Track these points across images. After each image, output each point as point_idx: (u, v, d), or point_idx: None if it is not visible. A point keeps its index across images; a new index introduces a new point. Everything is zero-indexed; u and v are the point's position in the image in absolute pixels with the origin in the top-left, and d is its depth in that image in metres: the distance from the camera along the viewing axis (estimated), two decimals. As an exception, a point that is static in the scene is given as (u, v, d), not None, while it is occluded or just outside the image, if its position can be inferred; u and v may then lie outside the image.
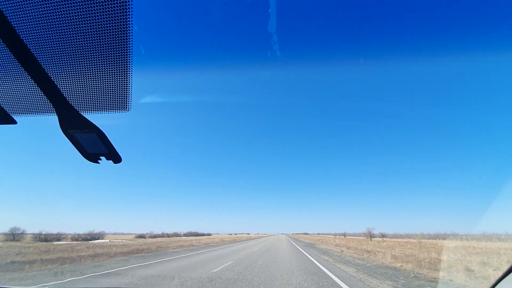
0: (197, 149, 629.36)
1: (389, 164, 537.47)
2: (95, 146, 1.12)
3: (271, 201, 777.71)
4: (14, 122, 1.11)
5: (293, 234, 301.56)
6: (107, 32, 0.88)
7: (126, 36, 0.88)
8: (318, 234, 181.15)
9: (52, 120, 1.07)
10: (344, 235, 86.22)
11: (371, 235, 56.63)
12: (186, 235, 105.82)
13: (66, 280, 7.11)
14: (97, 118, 1.09)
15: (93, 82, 1.03)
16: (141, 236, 76.21)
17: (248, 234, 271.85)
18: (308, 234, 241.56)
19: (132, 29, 0.87)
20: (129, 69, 0.97)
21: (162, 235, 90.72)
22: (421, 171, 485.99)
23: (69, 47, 0.94)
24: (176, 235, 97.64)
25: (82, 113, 1.05)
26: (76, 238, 56.48)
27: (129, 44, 0.90)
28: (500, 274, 1.29)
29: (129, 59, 0.95)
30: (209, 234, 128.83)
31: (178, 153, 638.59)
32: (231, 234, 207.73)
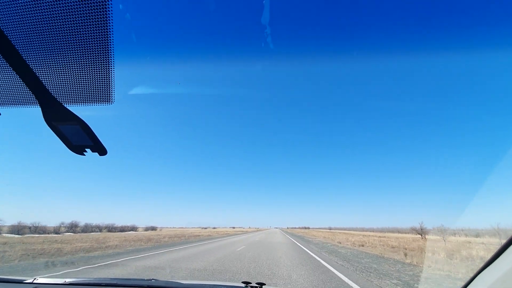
0: (173, 138, 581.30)
1: (388, 160, 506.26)
2: (80, 138, 1.11)
3: (258, 190, 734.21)
4: None
5: (288, 228, 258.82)
6: (88, 24, 0.87)
7: (107, 26, 0.87)
8: (330, 229, 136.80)
9: (36, 111, 1.07)
10: (422, 231, 40.06)
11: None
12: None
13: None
14: (82, 110, 1.09)
15: (75, 74, 1.01)
16: None
17: (234, 228, 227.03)
18: (308, 228, 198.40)
19: (112, 21, 0.86)
20: (111, 61, 0.96)
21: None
22: (419, 166, 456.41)
23: (50, 39, 0.93)
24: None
25: (65, 105, 1.05)
26: None
27: (110, 35, 0.89)
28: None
29: (111, 51, 0.93)
30: (153, 228, 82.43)
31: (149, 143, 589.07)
32: (205, 228, 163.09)
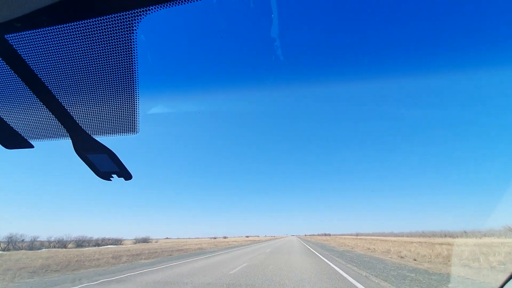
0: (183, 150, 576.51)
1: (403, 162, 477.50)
2: (107, 166, 1.22)
3: (274, 197, 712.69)
4: (31, 146, 1.24)
5: (306, 235, 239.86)
6: (114, 63, 0.95)
7: (132, 66, 0.94)
8: (357, 235, 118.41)
9: (66, 143, 1.19)
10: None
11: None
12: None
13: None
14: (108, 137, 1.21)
15: (103, 109, 1.10)
16: None
17: (248, 237, 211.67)
18: (329, 235, 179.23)
19: (137, 61, 0.93)
20: (136, 96, 1.04)
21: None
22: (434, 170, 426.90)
23: (79, 77, 1.01)
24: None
25: (93, 136, 1.16)
26: None
27: (135, 73, 0.96)
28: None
29: (136, 89, 1.01)
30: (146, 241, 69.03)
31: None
32: (215, 238, 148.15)
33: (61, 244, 42.08)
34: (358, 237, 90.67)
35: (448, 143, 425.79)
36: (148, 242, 64.50)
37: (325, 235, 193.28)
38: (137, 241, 65.65)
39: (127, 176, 1.26)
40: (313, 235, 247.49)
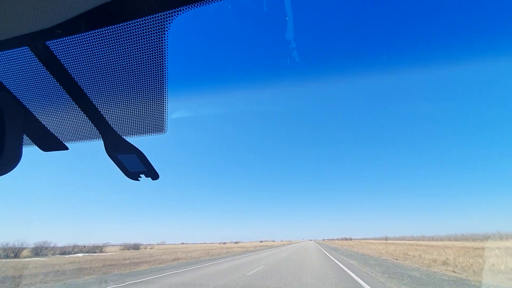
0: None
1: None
2: (135, 166, 1.24)
3: (290, 200, 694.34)
4: (66, 148, 1.28)
5: (324, 240, 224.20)
6: (145, 65, 0.98)
7: (162, 69, 0.98)
8: (386, 239, 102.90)
9: (98, 144, 1.23)
10: None
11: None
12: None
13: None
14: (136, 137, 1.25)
15: (134, 110, 1.14)
16: None
17: (261, 242, 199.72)
18: (351, 239, 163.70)
19: (168, 65, 0.96)
20: (165, 97, 1.07)
21: None
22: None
23: (112, 80, 1.05)
24: None
25: (124, 137, 1.20)
26: None
27: (165, 74, 0.99)
28: None
29: (165, 89, 1.04)
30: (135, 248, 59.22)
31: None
32: (224, 243, 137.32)
33: (10, 252, 32.69)
34: (387, 241, 76.71)
35: (458, 140, 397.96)
36: (138, 249, 54.74)
37: (346, 239, 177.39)
38: (126, 247, 56.04)
39: (154, 176, 1.26)
40: (332, 239, 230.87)
